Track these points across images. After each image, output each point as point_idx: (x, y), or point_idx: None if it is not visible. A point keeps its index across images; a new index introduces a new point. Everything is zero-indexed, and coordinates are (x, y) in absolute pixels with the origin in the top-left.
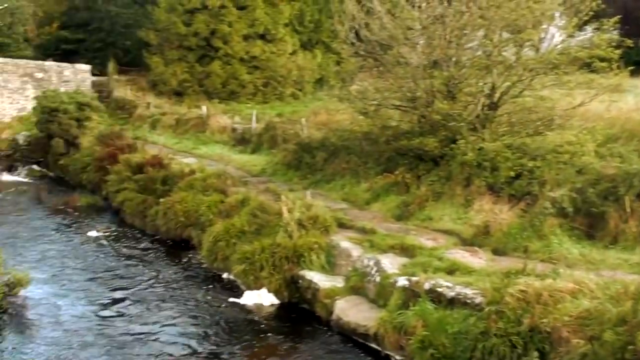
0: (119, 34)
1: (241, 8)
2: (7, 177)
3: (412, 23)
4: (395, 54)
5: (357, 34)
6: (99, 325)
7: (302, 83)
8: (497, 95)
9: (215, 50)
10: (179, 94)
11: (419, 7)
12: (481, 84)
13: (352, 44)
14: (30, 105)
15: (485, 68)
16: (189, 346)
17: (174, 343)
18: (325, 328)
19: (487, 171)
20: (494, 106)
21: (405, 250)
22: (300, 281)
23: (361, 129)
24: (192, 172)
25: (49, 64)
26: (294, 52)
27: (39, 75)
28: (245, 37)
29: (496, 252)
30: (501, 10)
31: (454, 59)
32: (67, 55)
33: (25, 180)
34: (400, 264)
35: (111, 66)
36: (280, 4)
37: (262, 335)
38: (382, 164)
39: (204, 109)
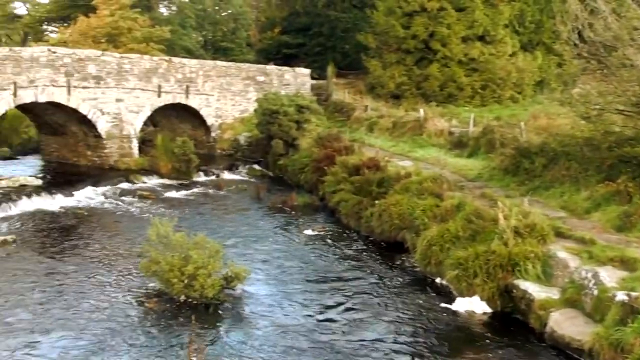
0: (338, 38)
1: (460, 10)
2: (228, 175)
3: (638, 23)
4: (620, 56)
5: (580, 34)
6: (314, 328)
7: (521, 86)
8: None
9: (433, 53)
10: (396, 97)
11: None
12: None
13: (575, 45)
14: (251, 107)
15: None
16: (400, 352)
17: (389, 350)
18: (537, 340)
19: None
20: None
21: (625, 263)
22: (514, 290)
23: (582, 134)
24: (408, 175)
25: (270, 67)
26: (513, 54)
27: (261, 78)
28: (464, 39)
29: None
30: None
31: None
32: (288, 59)
33: (245, 178)
34: (620, 277)
35: (330, 70)
36: (500, 5)
37: (473, 344)
38: (603, 171)
39: (422, 111)
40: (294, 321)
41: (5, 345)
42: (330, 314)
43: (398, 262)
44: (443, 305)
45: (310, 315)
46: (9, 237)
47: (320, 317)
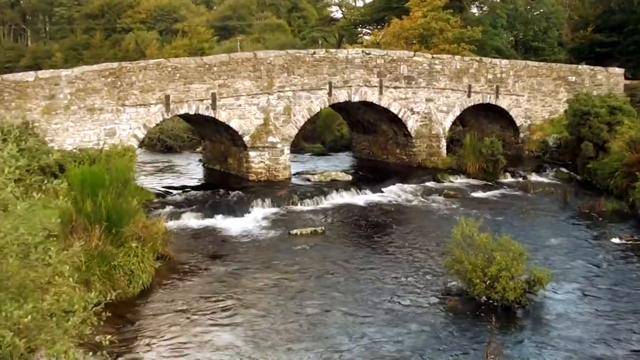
0: None
1: None
2: (535, 177)
3: None
4: None
5: None
6: (616, 347)
7: None
8: None
9: None
10: None
11: None
12: None
13: None
14: (561, 108)
15: None
16: None
17: None
18: None
19: None
20: None
21: None
22: None
23: None
24: None
25: (582, 67)
26: None
27: (572, 78)
28: None
29: None
30: None
31: None
32: (600, 59)
33: (553, 181)
34: None
35: None
36: None
37: None
38: None
39: None
40: (596, 334)
41: (310, 323)
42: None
43: None
44: None
45: (617, 326)
46: (319, 228)
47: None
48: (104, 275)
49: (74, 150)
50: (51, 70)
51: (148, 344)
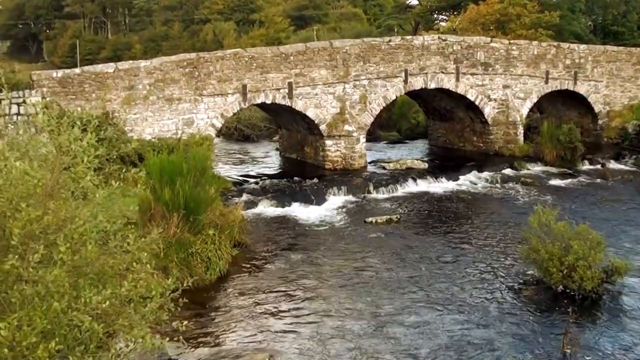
0: None
1: None
2: (614, 165)
3: None
4: None
5: None
6: None
7: None
8: None
9: None
10: None
11: None
12: None
13: None
14: None
15: None
16: None
17: None
18: None
19: None
20: None
21: None
22: None
23: None
24: None
25: None
26: None
27: None
28: None
29: None
30: None
31: None
32: None
33: (633, 169)
34: None
35: None
36: None
37: None
38: None
39: None
40: None
41: (381, 309)
42: None
43: None
44: None
45: None
46: (394, 216)
47: None
48: (181, 262)
49: (153, 140)
50: (130, 61)
51: (224, 331)
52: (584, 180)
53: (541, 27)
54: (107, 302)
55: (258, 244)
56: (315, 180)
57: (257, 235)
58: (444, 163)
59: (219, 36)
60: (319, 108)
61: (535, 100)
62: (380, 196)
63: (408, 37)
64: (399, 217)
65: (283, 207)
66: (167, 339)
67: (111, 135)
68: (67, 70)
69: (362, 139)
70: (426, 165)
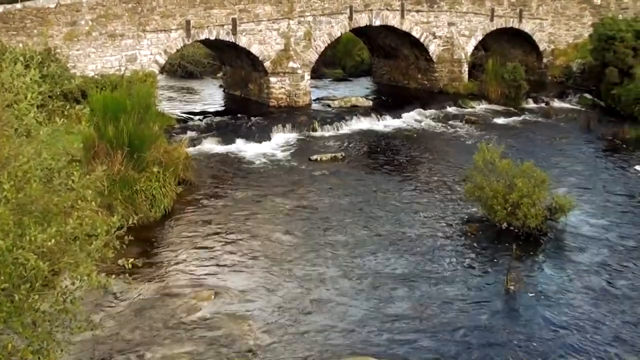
0: None
1: None
2: (558, 103)
3: None
4: None
5: None
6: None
7: None
8: None
9: None
10: None
11: None
12: None
13: None
14: (586, 32)
15: None
16: None
17: None
18: None
19: None
20: None
21: None
22: None
23: None
24: None
25: None
26: None
27: (597, 2)
28: None
29: None
30: None
31: None
32: None
33: (576, 107)
34: None
35: None
36: None
37: None
38: None
39: None
40: (618, 262)
41: (329, 244)
42: None
43: None
44: None
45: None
46: (339, 154)
47: None
48: (126, 200)
49: (96, 76)
50: None
51: (169, 268)
52: (528, 118)
53: None
54: (53, 240)
55: (203, 181)
56: (260, 117)
57: (202, 173)
58: (389, 101)
59: None
60: (263, 44)
61: (480, 38)
62: (325, 134)
63: None
64: (343, 154)
65: (228, 144)
66: (113, 276)
67: (54, 72)
68: (8, 6)
69: (307, 76)
70: (371, 103)
